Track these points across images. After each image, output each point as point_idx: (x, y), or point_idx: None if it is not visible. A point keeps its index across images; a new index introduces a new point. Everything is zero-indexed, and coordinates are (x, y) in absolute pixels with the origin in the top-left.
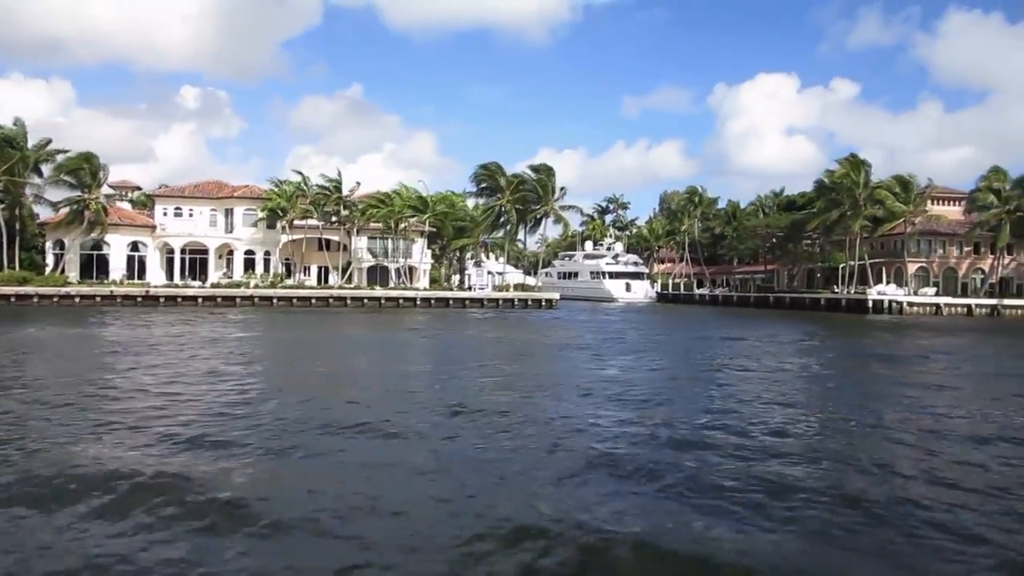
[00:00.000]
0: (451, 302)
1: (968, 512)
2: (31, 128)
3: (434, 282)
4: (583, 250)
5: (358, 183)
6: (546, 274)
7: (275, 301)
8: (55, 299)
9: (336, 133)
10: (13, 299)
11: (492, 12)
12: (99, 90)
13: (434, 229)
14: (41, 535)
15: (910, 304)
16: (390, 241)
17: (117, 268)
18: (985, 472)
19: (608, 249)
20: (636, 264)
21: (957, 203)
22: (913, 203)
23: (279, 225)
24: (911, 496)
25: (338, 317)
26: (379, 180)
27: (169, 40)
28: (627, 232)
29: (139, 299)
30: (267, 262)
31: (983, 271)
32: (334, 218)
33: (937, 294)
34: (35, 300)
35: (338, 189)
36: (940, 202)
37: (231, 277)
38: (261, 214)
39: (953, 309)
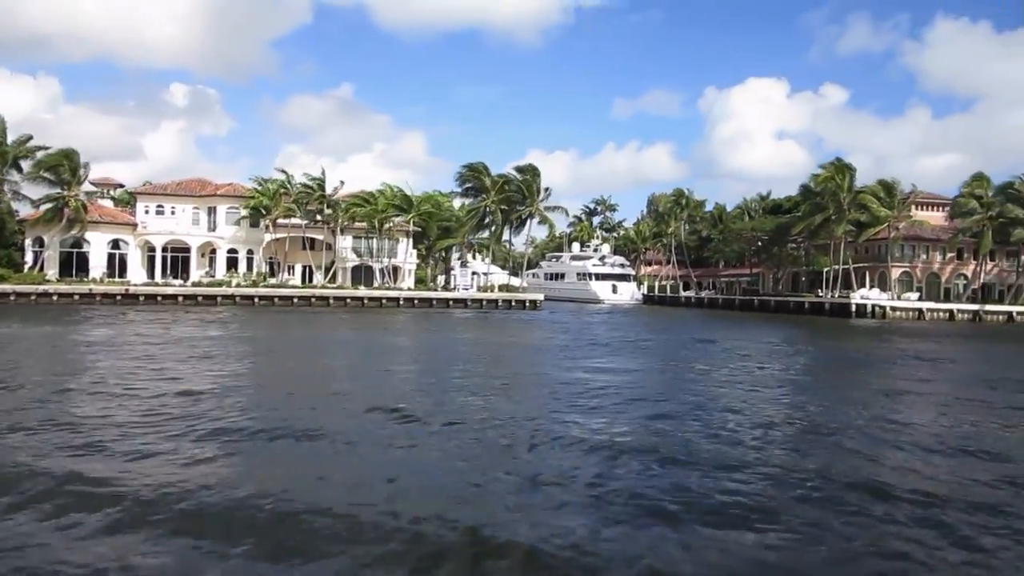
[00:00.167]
0: (435, 302)
1: (892, 521)
2: (16, 125)
3: (420, 282)
4: (570, 251)
5: (342, 182)
6: (533, 275)
7: (257, 300)
8: (33, 297)
9: (326, 132)
10: None
11: (483, 13)
12: (87, 87)
13: (419, 229)
14: None
15: (893, 309)
16: (375, 241)
17: (97, 266)
18: (918, 478)
19: (595, 251)
20: (623, 266)
21: (941, 209)
22: (897, 208)
23: (262, 224)
24: (844, 504)
25: (317, 317)
26: (369, 180)
27: (158, 37)
28: (614, 234)
29: (118, 297)
30: (250, 261)
31: (966, 277)
32: (318, 217)
33: (920, 299)
34: (12, 298)
35: (321, 188)
36: (924, 207)
37: (213, 276)
38: (244, 212)
39: (935, 314)
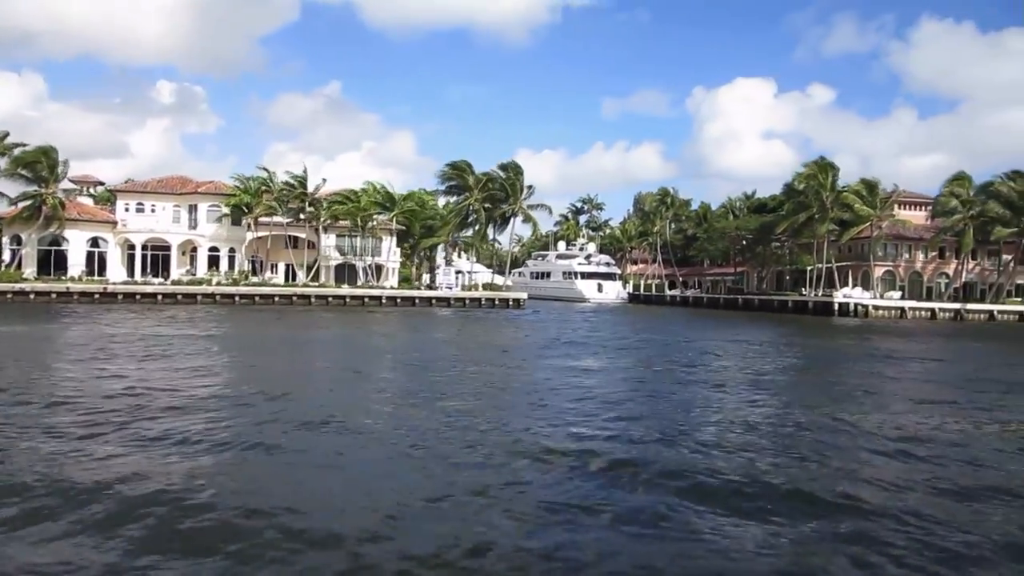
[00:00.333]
0: (417, 301)
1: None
2: (0, 122)
3: (406, 281)
4: (556, 250)
5: (324, 180)
6: (519, 274)
7: (237, 299)
8: (9, 296)
9: (314, 131)
10: None
11: (471, 12)
12: (73, 84)
13: (403, 227)
14: None
15: (875, 307)
16: (358, 239)
17: (76, 264)
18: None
19: (581, 250)
20: (608, 265)
21: (924, 208)
22: (879, 207)
23: (244, 222)
24: (785, 502)
25: (295, 316)
26: (358, 178)
27: (144, 34)
28: (601, 233)
29: (96, 296)
30: (232, 259)
31: (948, 276)
32: (301, 215)
33: (903, 298)
34: None
35: (303, 185)
36: (907, 207)
37: (194, 274)
38: (225, 210)
39: (917, 313)
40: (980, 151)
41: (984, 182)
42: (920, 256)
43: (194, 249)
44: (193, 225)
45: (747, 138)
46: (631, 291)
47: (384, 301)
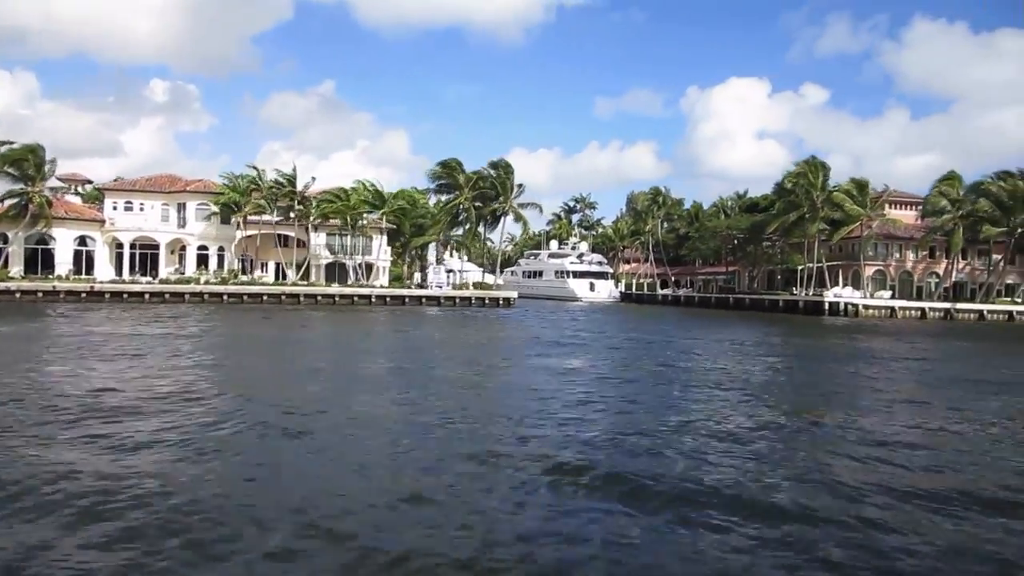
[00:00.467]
0: (407, 300)
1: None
2: None
3: (397, 280)
4: (548, 249)
5: (313, 178)
6: (511, 273)
7: (226, 298)
8: None
9: (308, 130)
10: None
11: (465, 11)
12: (65, 82)
13: (393, 226)
14: None
15: (865, 307)
16: (348, 238)
17: (63, 263)
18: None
19: (573, 248)
20: (600, 264)
21: (915, 208)
22: (870, 207)
23: (234, 221)
24: (739, 500)
25: (281, 315)
26: (351, 178)
27: (136, 32)
28: (593, 232)
29: (83, 295)
30: (221, 258)
31: (938, 275)
32: (291, 214)
33: (893, 297)
34: None
35: (292, 184)
36: (898, 206)
37: (183, 273)
38: (214, 209)
39: (907, 312)
40: (973, 151)
41: (974, 182)
42: (910, 256)
43: (183, 248)
44: (182, 224)
45: (741, 138)
46: (623, 290)
47: (374, 300)
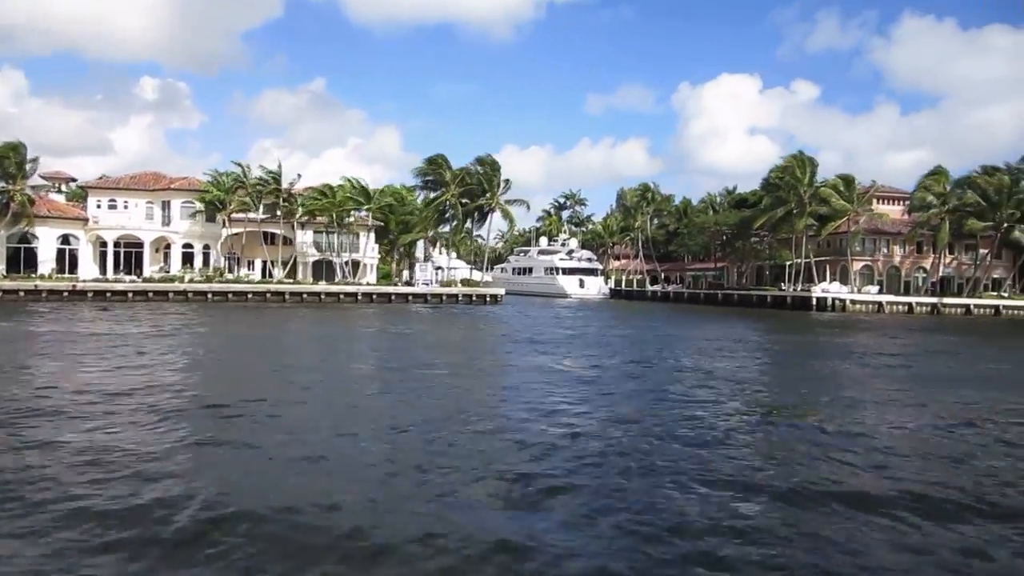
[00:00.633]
0: (393, 297)
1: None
2: None
3: (386, 277)
4: (538, 246)
5: (299, 175)
6: (501, 269)
7: (210, 296)
8: None
9: (299, 127)
10: None
11: (455, 7)
12: (54, 80)
13: (381, 223)
14: None
15: (853, 302)
16: (336, 235)
17: (46, 261)
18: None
19: (563, 245)
20: (590, 260)
21: (902, 202)
22: (857, 202)
23: (219, 218)
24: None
25: (265, 313)
26: (344, 176)
27: (125, 29)
28: (583, 228)
29: (65, 294)
30: (206, 256)
31: (925, 270)
32: (277, 211)
33: (880, 292)
34: None
35: (277, 181)
36: (886, 201)
37: (168, 271)
38: (199, 206)
39: (895, 307)
40: (962, 147)
41: (960, 177)
42: (898, 251)
43: (167, 246)
44: (167, 222)
45: (732, 134)
46: (612, 287)
47: (360, 298)
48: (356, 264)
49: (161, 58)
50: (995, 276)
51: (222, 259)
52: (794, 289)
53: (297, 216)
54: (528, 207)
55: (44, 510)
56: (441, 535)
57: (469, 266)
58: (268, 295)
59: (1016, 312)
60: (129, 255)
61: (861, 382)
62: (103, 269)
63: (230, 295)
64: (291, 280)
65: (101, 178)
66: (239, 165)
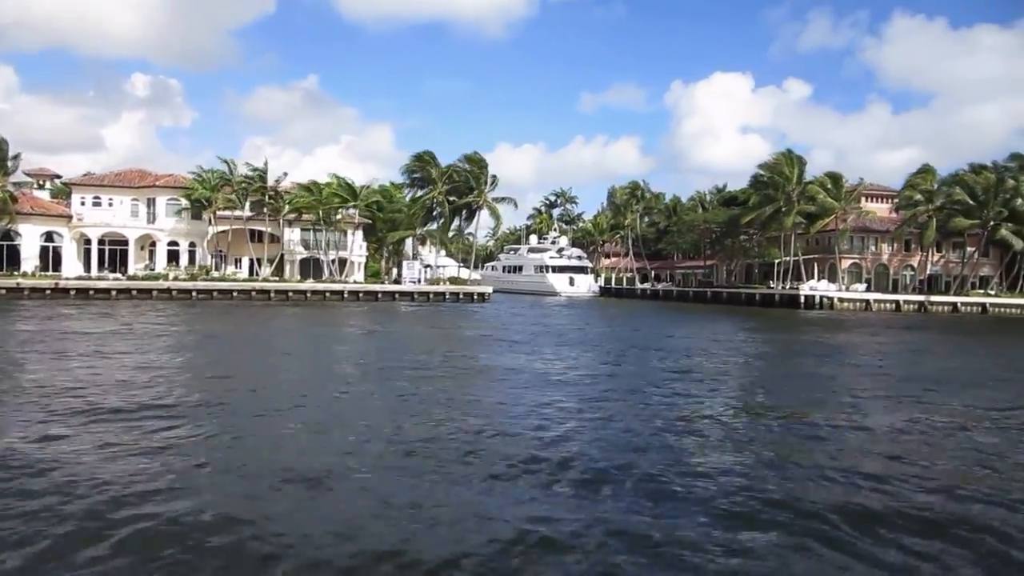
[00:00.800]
0: (380, 295)
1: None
2: None
3: (375, 275)
4: (528, 244)
5: (285, 173)
6: (491, 268)
7: (195, 294)
8: None
9: (291, 124)
10: None
11: (448, 5)
12: (44, 76)
13: (369, 221)
14: None
15: (841, 300)
16: (323, 233)
17: (29, 259)
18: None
19: (553, 243)
20: (580, 258)
21: (891, 200)
22: (845, 199)
23: (205, 216)
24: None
25: (247, 311)
26: (337, 174)
27: (116, 25)
28: (574, 226)
29: (48, 292)
30: (192, 254)
31: (913, 268)
32: (264, 208)
33: (868, 290)
34: None
35: (262, 178)
36: (876, 199)
37: (153, 269)
38: (185, 204)
39: (882, 305)
40: (953, 146)
41: (947, 175)
42: (886, 249)
43: (152, 244)
44: (152, 219)
45: (724, 133)
46: (603, 284)
47: (346, 296)
48: (344, 262)
49: (152, 55)
50: (982, 274)
51: (208, 257)
52: (782, 287)
53: (283, 213)
54: (516, 205)
55: None
56: (416, 547)
57: (458, 264)
58: (253, 293)
59: (1002, 310)
60: (114, 253)
61: (843, 381)
62: (87, 267)
63: (215, 293)
64: (277, 278)
65: (86, 175)
66: (225, 162)
